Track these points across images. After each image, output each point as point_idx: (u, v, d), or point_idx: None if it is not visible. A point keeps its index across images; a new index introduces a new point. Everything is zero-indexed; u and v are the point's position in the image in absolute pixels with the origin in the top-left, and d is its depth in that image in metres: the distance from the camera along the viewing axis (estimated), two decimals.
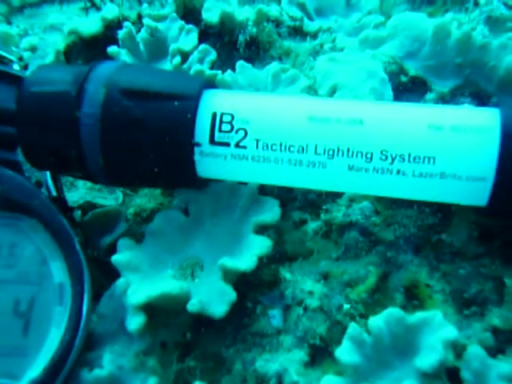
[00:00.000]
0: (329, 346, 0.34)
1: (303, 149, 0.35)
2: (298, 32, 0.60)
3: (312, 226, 0.42)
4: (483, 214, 0.36)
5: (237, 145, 0.36)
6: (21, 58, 0.55)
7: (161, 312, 0.36)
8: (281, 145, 0.36)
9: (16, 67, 0.47)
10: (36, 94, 0.36)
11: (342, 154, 0.35)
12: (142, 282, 0.35)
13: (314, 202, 0.44)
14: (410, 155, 0.34)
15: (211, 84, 0.41)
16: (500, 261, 0.36)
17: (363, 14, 0.60)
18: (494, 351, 0.32)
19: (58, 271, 0.35)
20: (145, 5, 0.59)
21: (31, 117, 0.37)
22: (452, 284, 0.36)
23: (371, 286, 0.37)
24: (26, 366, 0.33)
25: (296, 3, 0.62)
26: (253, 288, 0.38)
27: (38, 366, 0.33)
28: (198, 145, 0.37)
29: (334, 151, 0.35)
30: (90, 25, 0.52)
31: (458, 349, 0.32)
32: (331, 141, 0.35)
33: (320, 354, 0.34)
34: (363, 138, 0.35)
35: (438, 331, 0.30)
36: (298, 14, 0.61)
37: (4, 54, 0.46)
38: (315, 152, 0.35)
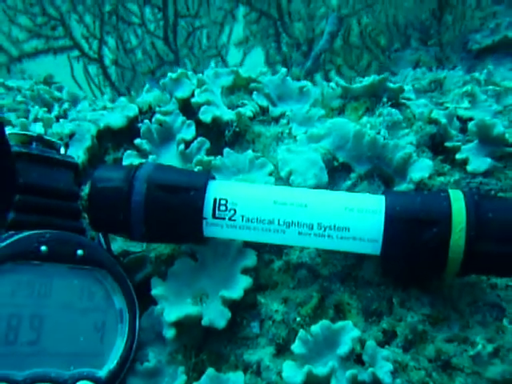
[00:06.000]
0: (288, 344, 0.56)
1: (270, 221, 0.57)
2: (265, 116, 0.83)
3: (277, 264, 0.65)
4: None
5: (229, 219, 0.58)
6: (67, 145, 0.74)
7: (185, 326, 0.57)
8: (257, 219, 0.57)
9: (62, 150, 0.66)
10: (101, 188, 0.57)
11: (294, 225, 0.57)
12: (171, 307, 0.56)
13: (278, 248, 0.67)
14: (335, 226, 0.56)
15: (212, 174, 0.62)
16: (392, 287, 0.60)
17: (310, 104, 0.83)
18: (383, 343, 0.55)
19: (119, 300, 0.55)
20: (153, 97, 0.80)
21: (98, 203, 0.57)
22: (363, 303, 0.59)
23: (314, 306, 0.59)
24: (103, 362, 0.53)
25: (263, 94, 0.85)
26: (241, 309, 0.59)
27: (112, 361, 0.53)
28: (205, 219, 0.58)
29: (289, 223, 0.57)
30: (118, 120, 0.72)
31: (363, 343, 0.55)
32: (288, 217, 0.57)
33: (283, 349, 0.56)
34: (307, 215, 0.57)
35: (349, 333, 0.53)
36: (264, 102, 0.84)
37: (53, 140, 0.66)
38: (278, 224, 0.57)
